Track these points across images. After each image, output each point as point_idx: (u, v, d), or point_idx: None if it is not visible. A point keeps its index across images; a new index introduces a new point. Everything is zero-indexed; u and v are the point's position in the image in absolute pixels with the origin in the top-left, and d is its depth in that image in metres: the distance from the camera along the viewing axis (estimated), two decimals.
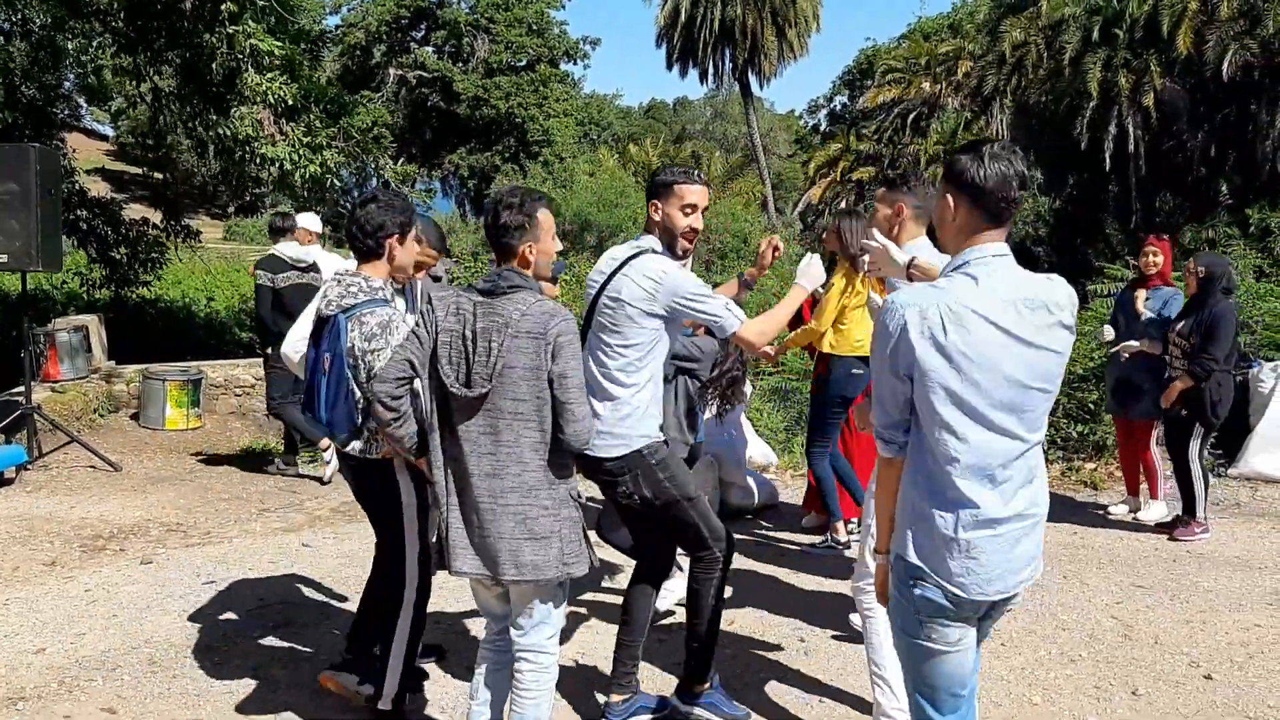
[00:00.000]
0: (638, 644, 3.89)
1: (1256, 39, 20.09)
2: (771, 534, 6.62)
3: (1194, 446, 6.28)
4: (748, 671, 4.41)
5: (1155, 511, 6.73)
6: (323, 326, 3.57)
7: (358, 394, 3.51)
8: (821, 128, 49.14)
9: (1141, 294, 6.56)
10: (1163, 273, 6.62)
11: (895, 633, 2.64)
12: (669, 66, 39.60)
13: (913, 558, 2.48)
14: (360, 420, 3.54)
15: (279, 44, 11.45)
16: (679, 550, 4.17)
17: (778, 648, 4.71)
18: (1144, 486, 6.87)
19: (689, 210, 3.66)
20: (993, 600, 2.49)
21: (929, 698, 2.58)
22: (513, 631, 3.22)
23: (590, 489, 3.89)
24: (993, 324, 2.39)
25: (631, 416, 3.57)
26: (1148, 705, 4.11)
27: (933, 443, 2.43)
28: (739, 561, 5.22)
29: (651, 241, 3.67)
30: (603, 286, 3.61)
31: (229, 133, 11.81)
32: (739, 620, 5.01)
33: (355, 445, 3.67)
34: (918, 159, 28.73)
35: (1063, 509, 6.94)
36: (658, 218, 3.67)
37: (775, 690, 4.24)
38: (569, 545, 3.08)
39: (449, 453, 3.10)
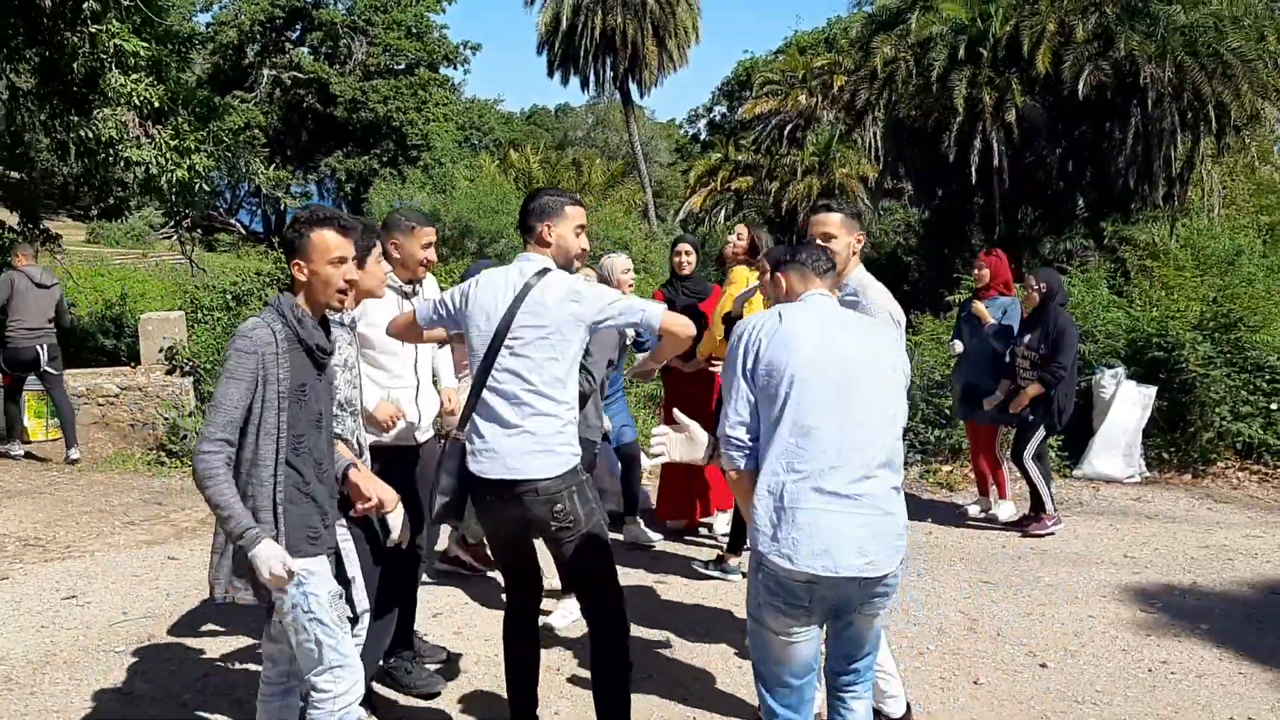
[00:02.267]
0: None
1: (1109, 60, 21.14)
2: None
3: (1029, 448, 6.72)
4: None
5: (1005, 510, 7.09)
6: None
7: None
8: (701, 137, 49.90)
9: (979, 304, 6.96)
10: (1003, 282, 7.03)
11: None
12: (550, 74, 39.68)
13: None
14: None
15: (145, 44, 11.18)
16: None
17: (660, 646, 4.84)
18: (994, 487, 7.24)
19: (579, 231, 3.66)
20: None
21: None
22: None
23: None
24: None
25: (567, 432, 3.49)
26: (988, 694, 4.38)
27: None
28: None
29: (546, 261, 3.58)
30: (514, 309, 3.47)
31: (91, 134, 11.48)
32: None
33: None
34: (794, 169, 29.36)
35: (920, 509, 7.25)
36: (550, 239, 3.59)
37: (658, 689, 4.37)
38: (227, 569, 2.97)
39: None
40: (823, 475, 2.81)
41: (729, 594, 5.57)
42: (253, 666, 4.57)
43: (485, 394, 3.47)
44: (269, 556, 2.84)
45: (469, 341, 3.57)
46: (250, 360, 2.89)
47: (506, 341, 3.45)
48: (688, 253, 6.59)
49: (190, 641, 4.90)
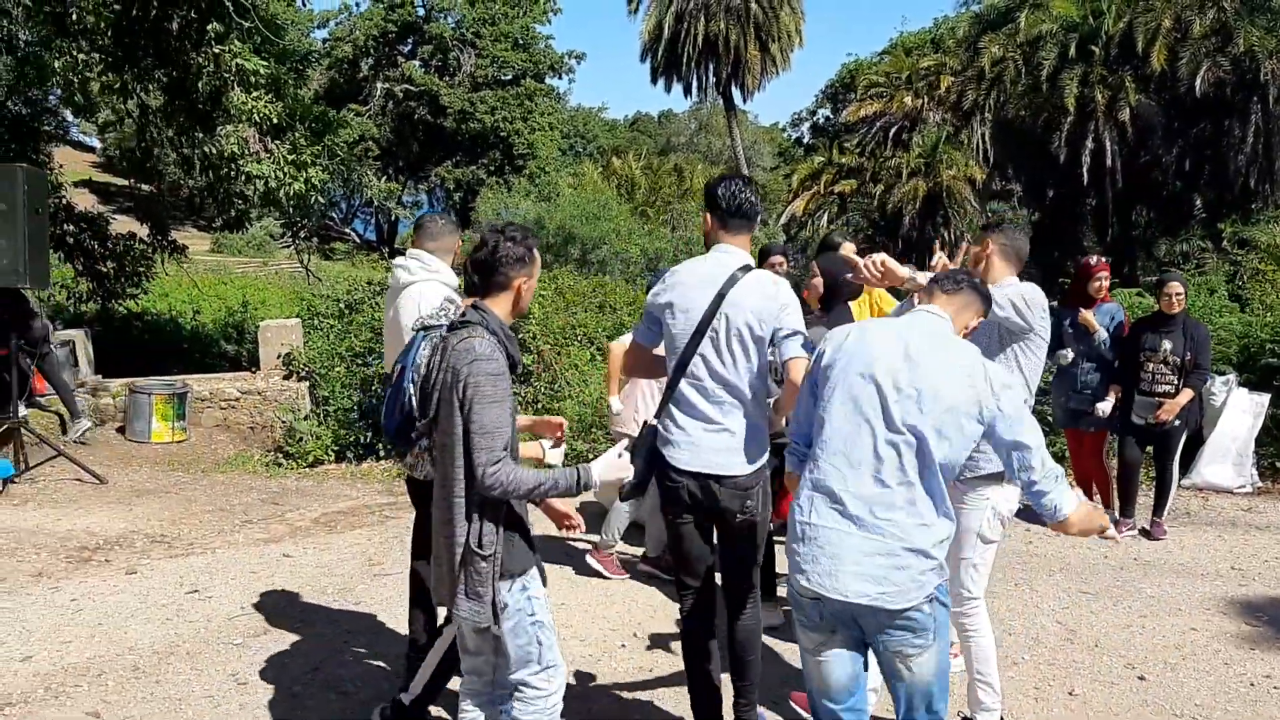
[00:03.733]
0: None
1: (1228, 56, 20.48)
2: None
3: (1178, 452, 6.81)
4: None
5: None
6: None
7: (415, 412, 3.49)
8: (804, 141, 49.54)
9: (1087, 313, 6.84)
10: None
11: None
12: (653, 81, 39.89)
13: None
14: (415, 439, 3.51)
15: (264, 63, 11.69)
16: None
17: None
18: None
19: None
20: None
21: None
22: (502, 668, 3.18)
23: None
24: None
25: (761, 430, 3.52)
26: (1082, 705, 4.34)
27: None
28: None
29: (747, 256, 3.58)
30: (716, 304, 3.45)
31: (215, 150, 12.04)
32: None
33: (411, 463, 3.88)
34: (899, 172, 29.03)
35: (1019, 518, 7.15)
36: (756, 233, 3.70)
37: None
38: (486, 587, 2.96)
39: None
40: (837, 493, 2.81)
41: None
42: (360, 660, 4.80)
43: (683, 386, 3.49)
44: (608, 469, 3.05)
45: (667, 333, 3.57)
46: (505, 381, 2.94)
47: (708, 335, 3.45)
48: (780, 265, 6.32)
49: (302, 635, 5.13)
